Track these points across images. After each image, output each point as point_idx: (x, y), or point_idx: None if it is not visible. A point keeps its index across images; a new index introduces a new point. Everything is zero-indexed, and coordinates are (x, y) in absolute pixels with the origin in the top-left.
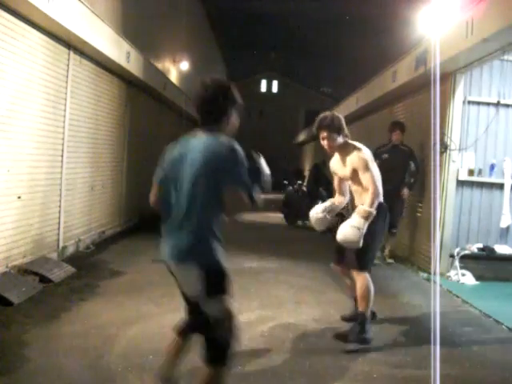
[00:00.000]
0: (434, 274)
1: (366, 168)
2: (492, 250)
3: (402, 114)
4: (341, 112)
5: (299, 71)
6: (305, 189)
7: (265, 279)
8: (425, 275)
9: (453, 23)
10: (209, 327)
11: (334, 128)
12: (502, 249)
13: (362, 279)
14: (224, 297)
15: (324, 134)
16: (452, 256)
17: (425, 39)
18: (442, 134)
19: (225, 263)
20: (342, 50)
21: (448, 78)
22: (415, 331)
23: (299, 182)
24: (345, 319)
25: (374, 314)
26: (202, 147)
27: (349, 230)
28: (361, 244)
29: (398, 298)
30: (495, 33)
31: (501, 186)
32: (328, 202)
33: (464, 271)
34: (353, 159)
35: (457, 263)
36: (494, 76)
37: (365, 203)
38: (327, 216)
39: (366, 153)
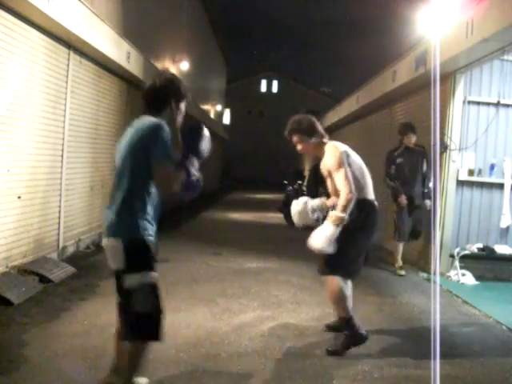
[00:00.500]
0: (434, 273)
1: (338, 167)
2: (492, 250)
3: (402, 114)
4: (341, 112)
5: (299, 71)
6: (305, 189)
7: (265, 279)
8: (425, 275)
9: (453, 23)
10: (127, 302)
11: (303, 130)
12: (502, 249)
13: (330, 284)
14: (144, 272)
15: (294, 137)
16: (452, 256)
17: (425, 39)
18: (442, 134)
19: (149, 239)
20: (342, 49)
21: (448, 78)
22: (415, 331)
23: (299, 182)
24: (329, 328)
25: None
26: (132, 127)
27: (317, 237)
28: (331, 250)
29: (398, 298)
30: (495, 33)
31: (501, 186)
32: (318, 201)
33: (464, 271)
34: (325, 160)
35: (457, 263)
36: (493, 76)
37: (337, 207)
38: (309, 213)
39: (340, 150)
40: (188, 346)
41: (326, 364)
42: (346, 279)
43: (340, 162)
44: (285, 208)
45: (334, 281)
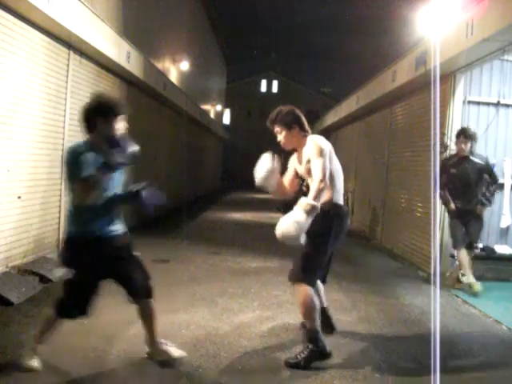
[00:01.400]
0: (434, 274)
1: (319, 155)
2: (492, 250)
3: (402, 114)
4: (341, 112)
5: (299, 71)
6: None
7: (265, 279)
8: (425, 275)
9: (453, 23)
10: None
11: (285, 122)
12: (502, 249)
13: (299, 292)
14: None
15: (276, 128)
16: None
17: (425, 39)
18: (442, 134)
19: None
20: (342, 49)
21: (448, 78)
22: (415, 331)
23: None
24: (304, 326)
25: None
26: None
27: (286, 223)
28: (301, 240)
29: (397, 298)
30: (495, 33)
31: (501, 186)
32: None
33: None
34: (307, 149)
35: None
36: (493, 76)
37: (309, 195)
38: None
39: (325, 143)
40: (188, 346)
41: (326, 364)
42: (312, 286)
43: (323, 151)
44: (285, 208)
45: (306, 289)
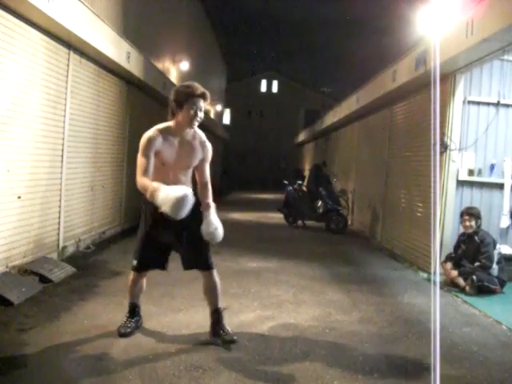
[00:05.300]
0: (434, 274)
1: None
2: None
3: (402, 114)
4: (341, 112)
5: (299, 71)
6: (305, 189)
7: (265, 279)
8: (425, 275)
9: (453, 23)
10: None
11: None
12: (502, 249)
13: (215, 276)
14: None
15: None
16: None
17: (425, 39)
18: (442, 134)
19: None
20: (342, 49)
21: (448, 78)
22: (415, 331)
23: (299, 182)
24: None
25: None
26: None
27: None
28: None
29: (397, 298)
30: (495, 33)
31: (501, 186)
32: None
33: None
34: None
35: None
36: (493, 76)
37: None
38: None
39: (143, 136)
40: (188, 346)
41: (326, 364)
42: None
43: (141, 147)
44: (285, 208)
45: (215, 272)
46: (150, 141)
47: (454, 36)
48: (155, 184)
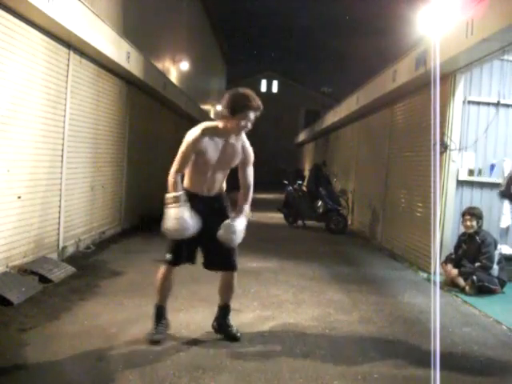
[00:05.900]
0: (434, 273)
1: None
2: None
3: (402, 114)
4: (341, 112)
5: (299, 71)
6: (305, 189)
7: (265, 279)
8: (425, 275)
9: (453, 23)
10: None
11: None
12: (502, 249)
13: (236, 276)
14: None
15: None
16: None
17: (425, 39)
18: (442, 134)
19: None
20: (342, 49)
21: (448, 78)
22: (415, 331)
23: (299, 182)
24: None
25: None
26: None
27: (241, 232)
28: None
29: (397, 297)
30: (495, 33)
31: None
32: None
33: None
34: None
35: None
36: (493, 76)
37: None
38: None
39: (189, 133)
40: (188, 346)
41: (326, 364)
42: None
43: (184, 143)
44: (285, 208)
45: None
46: (195, 142)
47: (453, 36)
48: (178, 193)
